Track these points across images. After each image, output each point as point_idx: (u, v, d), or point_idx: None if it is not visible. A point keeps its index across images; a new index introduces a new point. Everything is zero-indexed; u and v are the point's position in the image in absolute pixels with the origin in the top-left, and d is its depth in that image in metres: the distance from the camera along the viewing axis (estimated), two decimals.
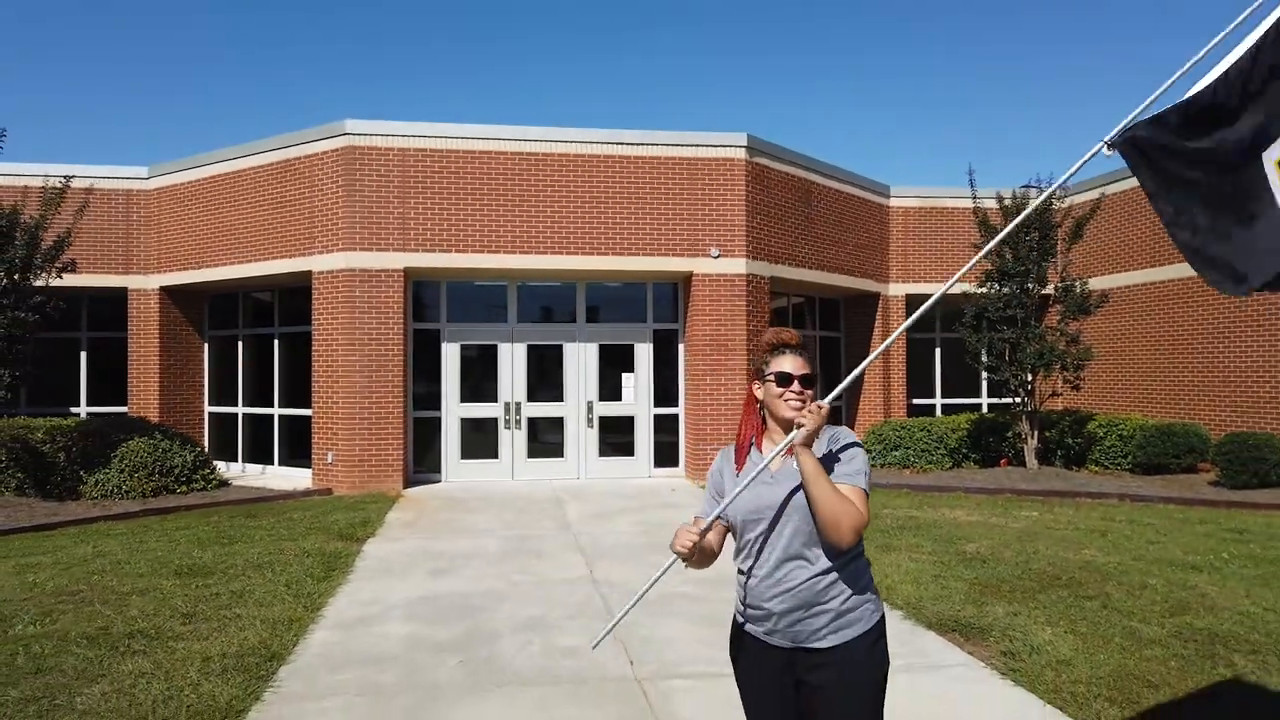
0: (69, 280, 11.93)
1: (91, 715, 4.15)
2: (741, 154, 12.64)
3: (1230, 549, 7.87)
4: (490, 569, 7.31)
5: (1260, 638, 5.29)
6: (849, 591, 2.34)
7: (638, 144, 12.49)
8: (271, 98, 70.45)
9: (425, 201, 11.98)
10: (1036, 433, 13.26)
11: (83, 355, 14.47)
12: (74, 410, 14.19)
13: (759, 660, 2.42)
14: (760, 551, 2.39)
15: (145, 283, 13.81)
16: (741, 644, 2.48)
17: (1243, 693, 4.46)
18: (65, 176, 11.50)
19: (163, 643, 5.23)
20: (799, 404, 2.39)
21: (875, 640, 2.37)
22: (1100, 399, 15.14)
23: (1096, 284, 14.47)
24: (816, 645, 2.32)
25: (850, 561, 2.36)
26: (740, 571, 2.47)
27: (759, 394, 2.48)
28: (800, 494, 2.31)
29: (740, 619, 2.50)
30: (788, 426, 2.40)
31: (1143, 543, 8.17)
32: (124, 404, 14.01)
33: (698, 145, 12.60)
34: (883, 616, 2.41)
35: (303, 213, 12.24)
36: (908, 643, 5.25)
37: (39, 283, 10.90)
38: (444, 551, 8.01)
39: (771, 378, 2.43)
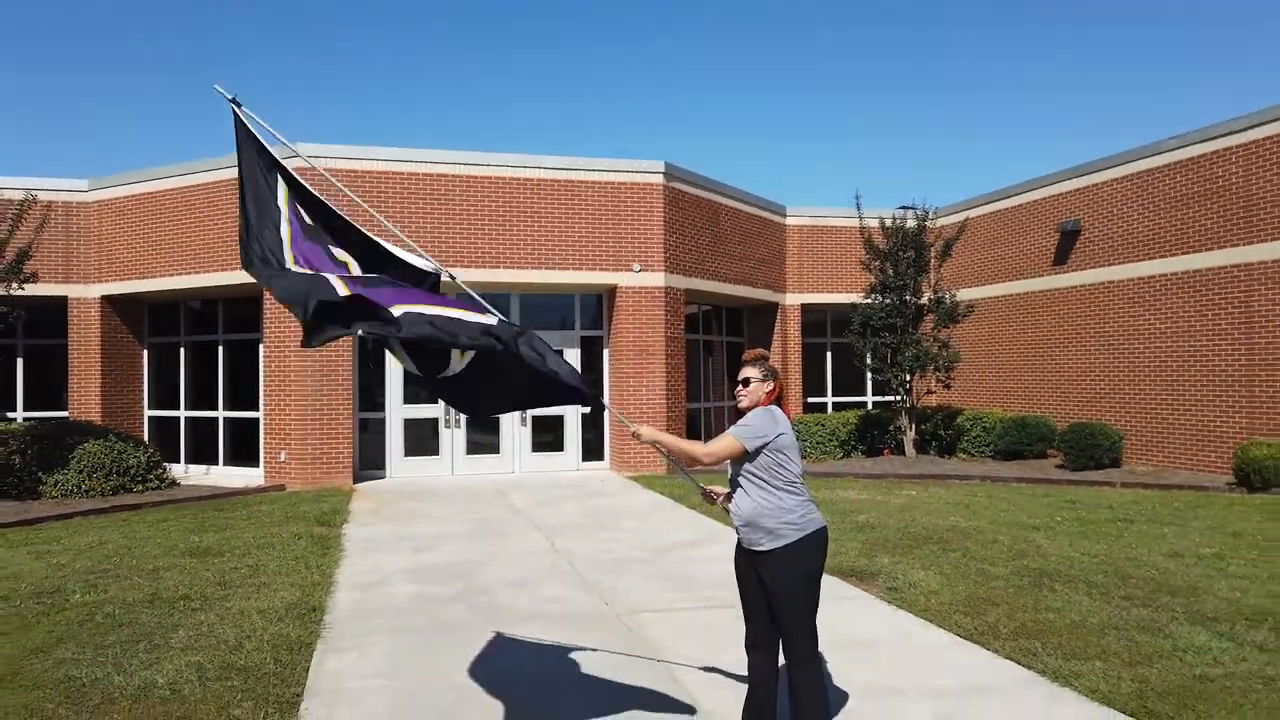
0: (12, 290, 12.35)
1: (192, 649, 5.20)
2: (660, 179, 14.11)
3: (1063, 514, 9.79)
4: (464, 545, 8.50)
5: (1076, 572, 7.05)
6: (775, 515, 3.59)
7: (569, 169, 13.80)
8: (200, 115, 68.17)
9: (371, 219, 12.92)
10: (914, 426, 15.20)
11: (19, 362, 14.75)
12: (11, 415, 14.45)
13: (740, 555, 3.80)
14: (731, 489, 3.78)
15: (86, 292, 14.23)
16: (737, 544, 3.85)
17: (1057, 606, 6.12)
18: (29, 190, 11.98)
19: (214, 602, 6.25)
20: (743, 396, 3.76)
21: (797, 550, 3.58)
22: (968, 396, 17.27)
23: (964, 295, 16.57)
24: (759, 549, 3.66)
25: (774, 493, 3.59)
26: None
27: None
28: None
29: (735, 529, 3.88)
30: (739, 414, 3.79)
31: (996, 512, 10.02)
32: (62, 409, 14.39)
33: (622, 171, 14.00)
34: (807, 536, 3.60)
35: None
36: None
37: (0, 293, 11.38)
38: (417, 534, 9.13)
39: None
